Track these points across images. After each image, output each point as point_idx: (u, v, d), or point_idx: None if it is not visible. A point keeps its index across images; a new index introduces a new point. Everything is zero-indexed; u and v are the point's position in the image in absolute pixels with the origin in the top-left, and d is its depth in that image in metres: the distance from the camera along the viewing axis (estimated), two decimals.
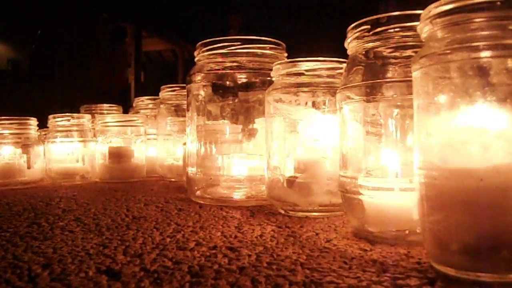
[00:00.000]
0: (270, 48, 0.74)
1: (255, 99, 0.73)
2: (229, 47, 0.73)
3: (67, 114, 1.15)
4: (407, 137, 0.45)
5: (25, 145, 1.07)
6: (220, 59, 0.74)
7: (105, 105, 1.53)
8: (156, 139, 1.20)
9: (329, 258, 0.39)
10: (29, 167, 1.07)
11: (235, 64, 0.73)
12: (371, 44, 0.47)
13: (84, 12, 4.18)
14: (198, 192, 0.74)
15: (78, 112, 1.42)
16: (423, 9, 0.36)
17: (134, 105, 1.42)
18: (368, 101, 0.47)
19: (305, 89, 0.60)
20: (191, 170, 0.76)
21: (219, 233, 0.50)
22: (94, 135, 1.17)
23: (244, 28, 2.93)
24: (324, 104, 0.59)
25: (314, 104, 0.59)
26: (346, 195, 0.49)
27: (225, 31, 2.88)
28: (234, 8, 3.14)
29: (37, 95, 3.63)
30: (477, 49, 0.31)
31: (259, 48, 0.73)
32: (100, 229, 0.53)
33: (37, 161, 1.09)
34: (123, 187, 0.98)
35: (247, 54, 0.73)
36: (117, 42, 3.41)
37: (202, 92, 0.76)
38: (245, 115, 0.74)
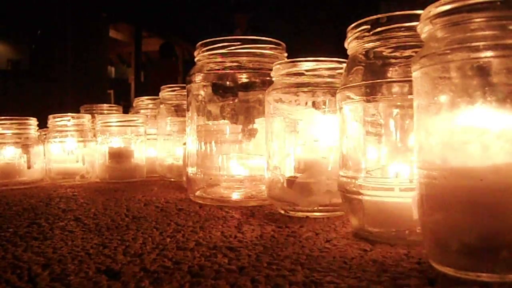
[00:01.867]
0: (270, 48, 0.74)
1: (255, 99, 0.73)
2: (229, 47, 0.73)
3: (67, 114, 1.15)
4: (407, 137, 0.45)
5: (25, 145, 1.07)
6: (220, 59, 0.74)
7: (105, 105, 1.52)
8: (156, 139, 1.19)
9: (329, 258, 0.39)
10: (29, 167, 1.07)
11: (235, 64, 0.73)
12: (371, 44, 0.47)
13: (84, 12, 4.18)
14: (198, 192, 0.74)
15: (78, 112, 1.42)
16: (423, 9, 0.36)
17: (134, 105, 1.42)
18: (368, 101, 0.47)
19: (305, 89, 0.60)
20: (191, 170, 0.76)
21: (219, 233, 0.50)
22: (94, 135, 1.17)
23: (250, 28, 2.93)
24: (324, 104, 0.59)
25: (314, 104, 0.59)
26: (346, 195, 0.49)
27: (231, 31, 2.90)
28: (240, 8, 3.16)
29: (37, 95, 3.64)
30: (477, 49, 0.31)
31: (259, 48, 0.73)
32: (100, 229, 0.53)
33: (37, 161, 1.09)
34: (123, 187, 0.98)
35: (247, 54, 0.73)
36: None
37: (202, 92, 0.75)
38: (245, 115, 0.74)
